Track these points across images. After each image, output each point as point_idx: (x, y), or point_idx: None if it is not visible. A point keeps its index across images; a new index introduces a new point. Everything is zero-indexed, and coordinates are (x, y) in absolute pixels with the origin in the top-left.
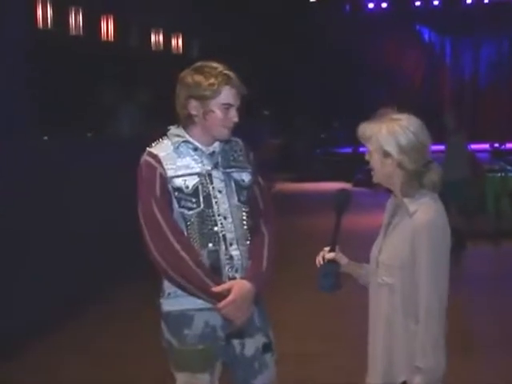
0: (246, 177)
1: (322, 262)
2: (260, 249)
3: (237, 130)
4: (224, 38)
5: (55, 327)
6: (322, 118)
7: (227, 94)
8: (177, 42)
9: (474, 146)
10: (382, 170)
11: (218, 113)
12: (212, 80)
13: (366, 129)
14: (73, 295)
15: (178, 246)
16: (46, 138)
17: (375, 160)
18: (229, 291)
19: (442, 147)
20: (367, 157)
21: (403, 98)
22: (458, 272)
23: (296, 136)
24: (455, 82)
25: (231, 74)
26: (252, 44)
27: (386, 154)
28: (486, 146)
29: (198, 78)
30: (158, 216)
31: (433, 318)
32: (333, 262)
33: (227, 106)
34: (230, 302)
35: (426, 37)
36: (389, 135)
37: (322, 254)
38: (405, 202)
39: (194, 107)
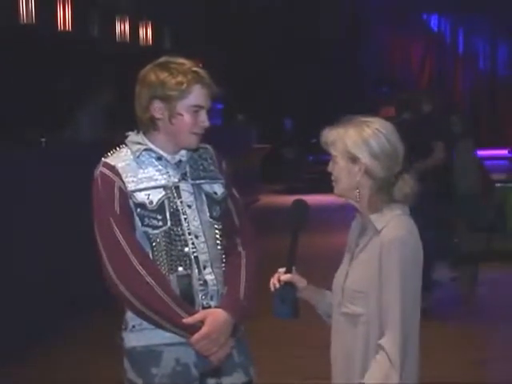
0: (218, 189)
1: (277, 285)
2: (237, 272)
3: (216, 134)
4: (200, 27)
5: None
6: (313, 120)
7: (197, 95)
8: (145, 32)
9: (491, 152)
10: (348, 179)
11: (187, 116)
12: (180, 78)
13: (330, 134)
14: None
15: (142, 271)
16: None
17: (340, 167)
18: (202, 322)
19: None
20: (330, 166)
21: (408, 98)
22: (470, 299)
23: (284, 141)
24: (469, 77)
25: (201, 71)
26: (233, 34)
27: (354, 159)
28: (505, 152)
29: (163, 75)
30: (119, 236)
31: (395, 351)
32: (290, 285)
33: (197, 109)
34: (203, 335)
35: (435, 26)
36: (357, 138)
37: (276, 275)
38: (371, 219)
39: (157, 109)
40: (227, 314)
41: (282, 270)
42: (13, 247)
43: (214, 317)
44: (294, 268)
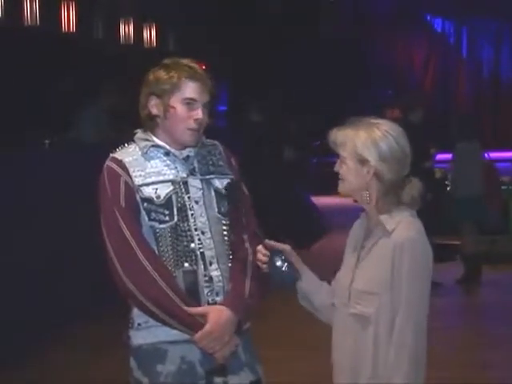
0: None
1: (266, 259)
2: (242, 269)
3: (220, 136)
4: (203, 29)
5: None
6: (316, 122)
7: (190, 88)
8: (149, 34)
9: (495, 155)
10: (356, 180)
11: (180, 109)
12: (172, 73)
13: (339, 134)
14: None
15: (148, 266)
16: None
17: (348, 168)
18: (205, 319)
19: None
20: (337, 166)
21: (412, 99)
22: (474, 301)
23: (285, 142)
24: (473, 79)
25: (196, 66)
26: (237, 37)
27: (363, 161)
28: (509, 154)
29: (160, 73)
30: (125, 231)
31: (405, 347)
32: (278, 251)
33: (190, 102)
34: (206, 333)
35: (439, 27)
36: (367, 139)
37: (259, 250)
38: (381, 220)
39: (154, 105)
40: (231, 311)
41: (259, 247)
42: (13, 248)
43: (216, 314)
44: (267, 240)
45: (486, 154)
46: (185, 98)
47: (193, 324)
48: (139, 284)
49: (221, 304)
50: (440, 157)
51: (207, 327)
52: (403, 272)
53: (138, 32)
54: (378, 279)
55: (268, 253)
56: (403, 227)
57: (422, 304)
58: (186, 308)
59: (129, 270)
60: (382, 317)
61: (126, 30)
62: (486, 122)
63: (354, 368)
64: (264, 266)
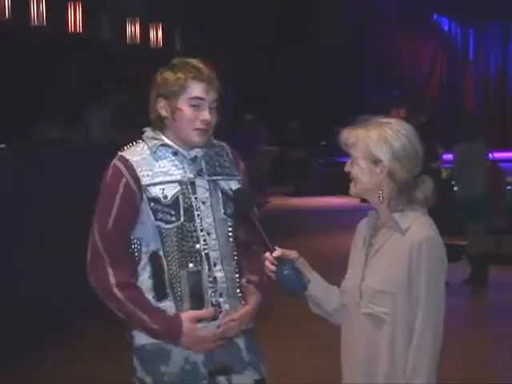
0: (234, 186)
1: (274, 268)
2: (260, 261)
3: (226, 136)
4: (210, 30)
5: None
6: (322, 122)
7: (196, 88)
8: (156, 34)
9: (500, 155)
10: (369, 180)
11: (187, 111)
12: (179, 74)
13: (350, 134)
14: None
15: (113, 279)
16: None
17: (361, 168)
18: (248, 300)
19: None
20: (348, 166)
21: (418, 100)
22: (480, 302)
23: (293, 143)
24: (479, 80)
25: (202, 66)
26: (242, 38)
27: (376, 161)
28: None
29: (166, 74)
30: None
31: (426, 349)
32: (285, 260)
33: (196, 102)
34: (249, 312)
35: (446, 28)
36: (380, 139)
37: (266, 260)
38: (394, 217)
39: (162, 107)
40: (261, 295)
41: (266, 254)
42: (14, 249)
43: (256, 297)
44: (275, 247)
45: (490, 154)
46: (190, 98)
47: (162, 331)
48: (102, 293)
49: (249, 283)
50: (447, 157)
51: (251, 307)
52: (422, 272)
53: (145, 32)
54: (392, 279)
55: (275, 261)
56: (419, 226)
57: (440, 304)
58: (147, 319)
59: (94, 273)
60: (399, 317)
61: (133, 29)
62: (493, 122)
63: (368, 368)
64: (272, 274)
